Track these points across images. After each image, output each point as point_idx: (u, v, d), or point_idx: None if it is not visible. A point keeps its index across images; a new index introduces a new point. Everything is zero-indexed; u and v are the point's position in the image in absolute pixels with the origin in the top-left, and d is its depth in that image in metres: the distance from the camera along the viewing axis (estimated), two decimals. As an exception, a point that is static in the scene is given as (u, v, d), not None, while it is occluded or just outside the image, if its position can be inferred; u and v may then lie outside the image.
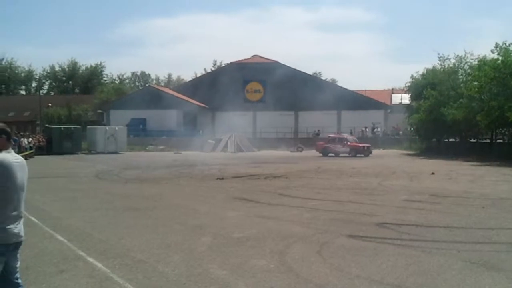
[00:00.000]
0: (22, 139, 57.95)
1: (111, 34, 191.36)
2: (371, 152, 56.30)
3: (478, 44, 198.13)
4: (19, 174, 6.00)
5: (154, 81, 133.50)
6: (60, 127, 63.04)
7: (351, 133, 70.66)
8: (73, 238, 12.89)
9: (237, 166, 39.60)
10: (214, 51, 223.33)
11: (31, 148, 56.90)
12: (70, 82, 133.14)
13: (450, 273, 9.66)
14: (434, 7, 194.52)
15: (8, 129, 6.20)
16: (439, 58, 61.02)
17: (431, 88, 56.71)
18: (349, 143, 57.31)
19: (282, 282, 9.20)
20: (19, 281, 6.21)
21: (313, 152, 59.15)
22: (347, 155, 55.27)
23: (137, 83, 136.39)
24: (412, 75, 65.94)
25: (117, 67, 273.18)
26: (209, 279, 9.39)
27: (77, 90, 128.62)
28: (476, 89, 47.00)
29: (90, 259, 10.83)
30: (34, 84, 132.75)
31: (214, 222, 15.31)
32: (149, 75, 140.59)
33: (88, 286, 9.10)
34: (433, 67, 62.67)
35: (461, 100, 51.30)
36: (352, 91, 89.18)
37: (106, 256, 11.12)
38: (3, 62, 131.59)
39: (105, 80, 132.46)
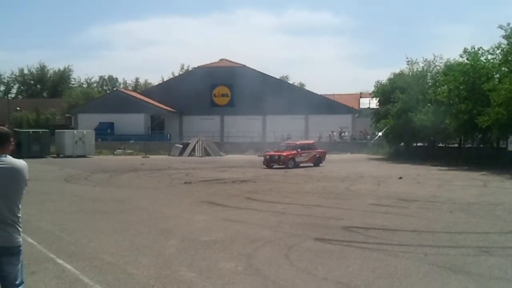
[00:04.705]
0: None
1: (78, 37, 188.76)
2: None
3: (447, 49, 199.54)
4: None
5: (122, 85, 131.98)
6: (29, 131, 62.31)
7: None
8: (42, 241, 12.90)
9: (204, 170, 39.64)
10: (181, 55, 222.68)
11: None
12: (39, 86, 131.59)
13: (416, 277, 9.81)
14: (403, 11, 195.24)
15: None
16: (407, 62, 60.78)
17: (399, 92, 56.91)
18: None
19: (250, 285, 9.34)
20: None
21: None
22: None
23: (104, 87, 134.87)
24: (377, 81, 66.06)
25: (85, 70, 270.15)
26: (177, 281, 9.50)
27: (45, 94, 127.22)
28: (445, 94, 47.33)
29: (60, 261, 10.88)
30: (2, 88, 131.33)
31: (182, 226, 15.41)
32: (116, 79, 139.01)
33: (58, 287, 9.16)
34: (401, 71, 62.70)
35: (429, 105, 51.50)
36: (320, 95, 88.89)
37: (75, 258, 11.17)
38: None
39: (73, 84, 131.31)
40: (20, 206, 6.09)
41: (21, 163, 6.11)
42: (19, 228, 6.08)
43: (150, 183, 29.89)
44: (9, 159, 6.01)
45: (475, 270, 10.27)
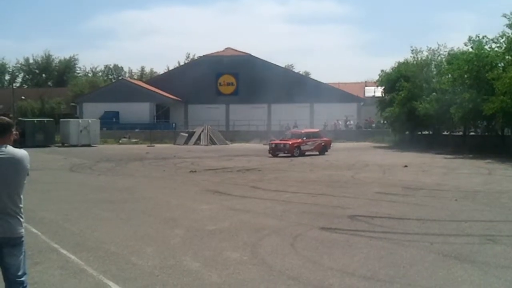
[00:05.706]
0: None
1: (83, 26, 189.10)
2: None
3: (452, 37, 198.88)
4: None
5: (127, 74, 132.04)
6: (34, 120, 62.55)
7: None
8: (46, 231, 12.89)
9: (210, 159, 39.61)
10: (187, 44, 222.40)
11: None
12: (44, 75, 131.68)
13: (422, 265, 9.76)
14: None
15: None
16: (411, 50, 60.80)
17: (404, 81, 56.80)
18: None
19: (255, 274, 9.29)
20: (22, 279, 6.10)
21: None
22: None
23: (110, 76, 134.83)
24: (381, 70, 65.90)
25: (90, 59, 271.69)
26: (182, 271, 9.47)
27: (50, 83, 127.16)
28: (449, 82, 47.23)
29: (64, 252, 10.86)
30: (7, 77, 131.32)
31: (187, 215, 15.38)
32: (122, 68, 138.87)
33: (62, 278, 9.12)
34: (406, 60, 62.54)
35: (433, 93, 51.48)
36: (325, 83, 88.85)
37: (79, 248, 11.16)
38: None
39: (78, 73, 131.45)
40: (21, 196, 6.07)
41: (21, 152, 6.08)
42: (21, 219, 6.05)
43: (155, 172, 29.86)
44: (10, 149, 5.97)
45: (480, 259, 10.21)
